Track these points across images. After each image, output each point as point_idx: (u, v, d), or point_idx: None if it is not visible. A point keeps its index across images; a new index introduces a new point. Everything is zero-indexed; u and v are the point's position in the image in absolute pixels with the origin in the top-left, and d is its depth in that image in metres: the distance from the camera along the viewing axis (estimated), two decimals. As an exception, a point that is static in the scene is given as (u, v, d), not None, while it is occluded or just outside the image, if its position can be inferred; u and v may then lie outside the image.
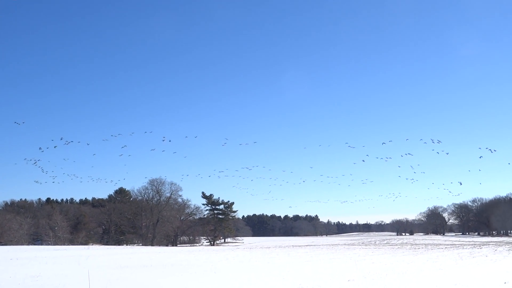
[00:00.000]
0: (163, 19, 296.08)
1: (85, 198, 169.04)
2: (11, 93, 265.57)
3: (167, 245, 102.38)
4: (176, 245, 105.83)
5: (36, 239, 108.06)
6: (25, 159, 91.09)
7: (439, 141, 68.32)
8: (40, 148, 67.20)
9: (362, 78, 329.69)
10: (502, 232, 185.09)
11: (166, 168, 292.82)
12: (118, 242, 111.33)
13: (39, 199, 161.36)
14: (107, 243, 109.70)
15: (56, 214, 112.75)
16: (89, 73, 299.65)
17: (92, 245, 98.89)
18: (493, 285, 20.33)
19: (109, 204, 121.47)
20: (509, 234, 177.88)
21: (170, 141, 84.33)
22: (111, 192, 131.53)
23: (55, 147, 66.43)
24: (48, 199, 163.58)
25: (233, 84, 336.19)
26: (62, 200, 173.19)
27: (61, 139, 66.33)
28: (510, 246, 67.34)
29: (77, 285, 20.81)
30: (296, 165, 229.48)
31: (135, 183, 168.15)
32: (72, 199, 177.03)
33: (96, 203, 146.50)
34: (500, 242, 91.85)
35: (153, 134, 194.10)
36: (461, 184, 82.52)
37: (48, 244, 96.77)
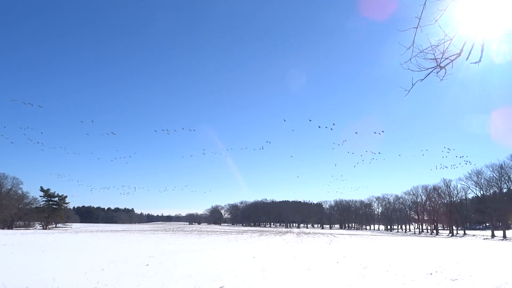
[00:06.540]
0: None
1: None
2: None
3: (3, 229, 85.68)
4: (11, 229, 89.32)
5: None
6: None
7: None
8: None
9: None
10: (256, 224, 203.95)
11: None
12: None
13: None
14: None
15: None
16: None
17: None
18: (247, 258, 22.09)
19: None
20: (261, 225, 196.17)
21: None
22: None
23: None
24: None
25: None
26: None
27: None
28: (260, 233, 74.12)
29: None
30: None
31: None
32: None
33: None
34: (255, 230, 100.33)
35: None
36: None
37: None
